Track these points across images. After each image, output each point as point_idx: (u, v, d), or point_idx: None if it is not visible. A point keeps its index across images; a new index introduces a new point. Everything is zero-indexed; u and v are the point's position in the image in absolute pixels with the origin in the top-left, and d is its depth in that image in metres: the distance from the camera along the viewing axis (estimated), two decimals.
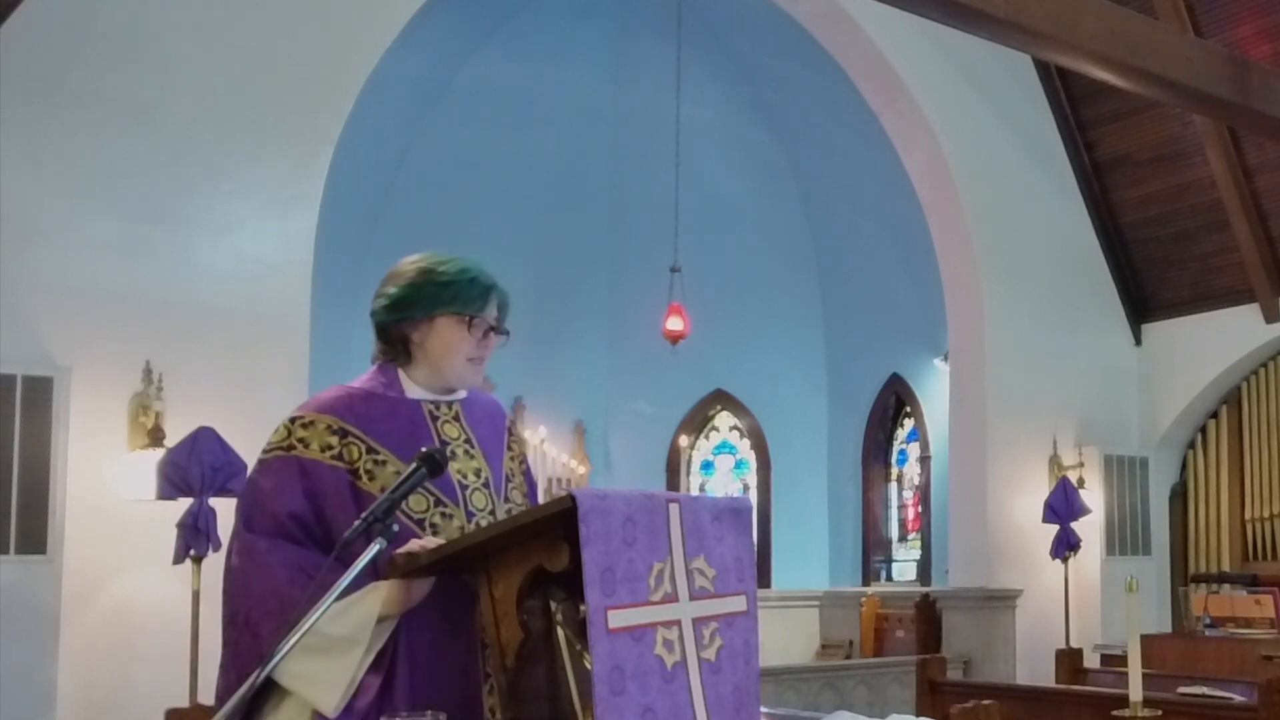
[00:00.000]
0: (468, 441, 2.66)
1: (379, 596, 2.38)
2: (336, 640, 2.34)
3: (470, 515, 2.57)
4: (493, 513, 2.61)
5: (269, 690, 2.35)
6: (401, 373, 2.66)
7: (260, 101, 6.92)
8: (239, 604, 2.45)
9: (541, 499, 2.90)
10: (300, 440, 2.52)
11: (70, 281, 6.34)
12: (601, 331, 12.62)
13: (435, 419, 2.64)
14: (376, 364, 2.69)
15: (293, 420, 2.56)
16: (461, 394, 2.72)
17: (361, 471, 2.51)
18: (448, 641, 2.47)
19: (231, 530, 2.55)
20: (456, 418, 2.67)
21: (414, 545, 2.40)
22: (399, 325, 2.63)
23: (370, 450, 2.53)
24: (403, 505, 2.40)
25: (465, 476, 2.59)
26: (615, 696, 2.14)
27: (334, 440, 2.52)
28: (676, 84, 10.39)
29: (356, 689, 2.37)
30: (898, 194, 10.34)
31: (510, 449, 2.78)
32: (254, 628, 2.40)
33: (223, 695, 2.42)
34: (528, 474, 2.84)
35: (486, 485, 2.64)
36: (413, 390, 2.65)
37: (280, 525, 2.47)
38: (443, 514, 2.54)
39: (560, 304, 12.31)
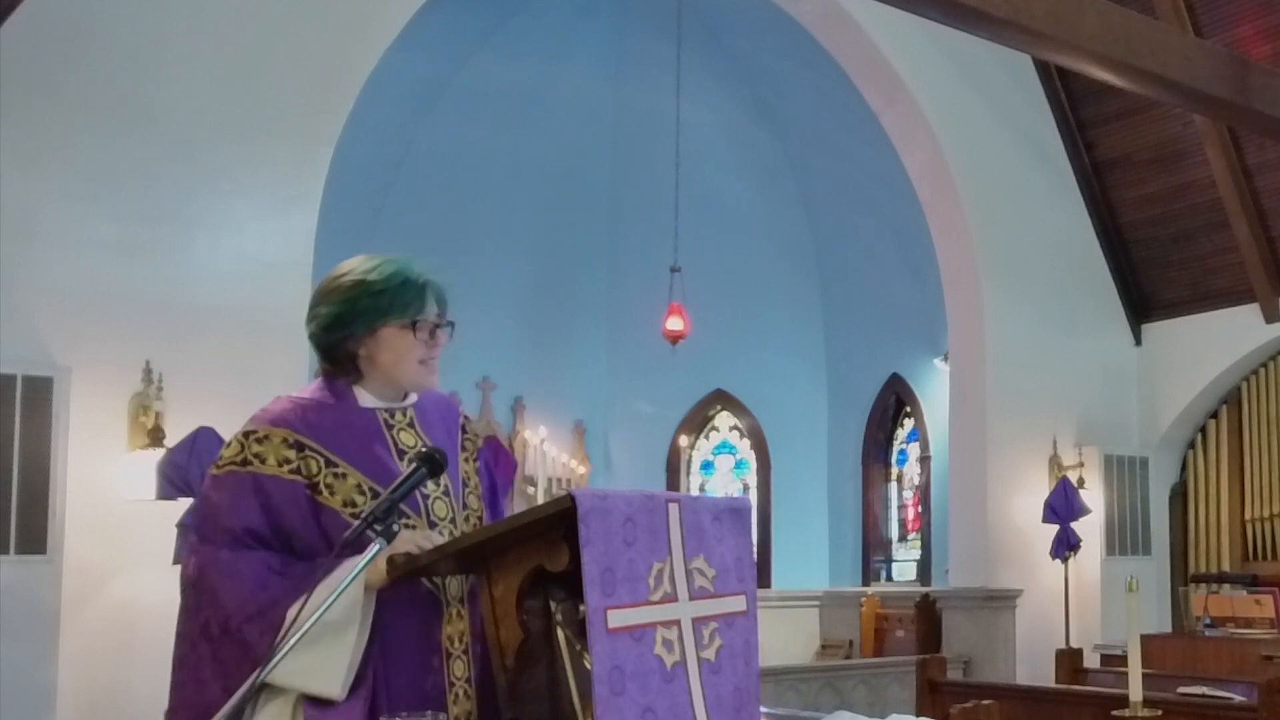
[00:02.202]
0: None
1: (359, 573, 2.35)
2: (328, 625, 2.30)
3: (433, 525, 2.53)
4: (453, 521, 2.57)
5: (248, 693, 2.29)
6: (351, 384, 2.59)
7: (260, 102, 6.92)
8: (210, 615, 2.40)
9: (541, 499, 2.89)
10: (256, 455, 2.46)
11: (70, 282, 6.33)
12: (601, 331, 12.61)
13: (390, 427, 2.58)
14: (320, 376, 2.62)
15: (246, 435, 2.49)
16: (413, 397, 2.65)
17: (321, 486, 2.46)
18: (411, 649, 2.45)
19: (188, 547, 2.50)
20: (411, 424, 2.61)
21: (412, 545, 2.38)
22: (342, 343, 2.55)
23: (330, 464, 2.48)
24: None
25: (425, 486, 2.52)
26: (615, 696, 2.14)
27: (291, 454, 2.46)
28: (676, 84, 10.38)
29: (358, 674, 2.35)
30: (898, 194, 10.34)
31: (464, 449, 2.72)
32: (236, 635, 2.36)
33: (210, 708, 2.32)
34: (485, 470, 2.77)
35: (446, 493, 2.59)
36: (364, 399, 2.58)
37: (237, 539, 2.43)
38: (406, 526, 2.48)
39: (560, 304, 12.33)
